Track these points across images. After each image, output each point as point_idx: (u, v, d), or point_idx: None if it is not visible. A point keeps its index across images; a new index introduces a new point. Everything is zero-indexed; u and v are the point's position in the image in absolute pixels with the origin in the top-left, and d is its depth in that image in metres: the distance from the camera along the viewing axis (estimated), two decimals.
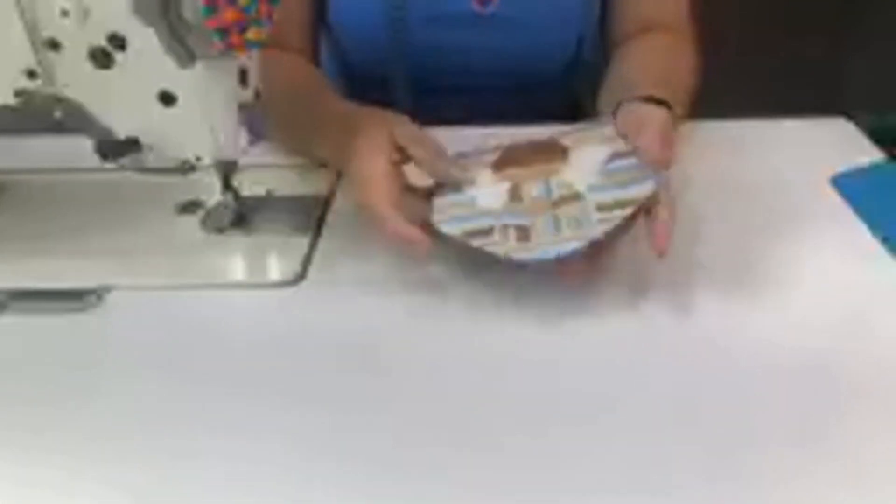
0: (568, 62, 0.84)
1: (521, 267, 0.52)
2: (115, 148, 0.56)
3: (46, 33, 0.52)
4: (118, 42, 0.52)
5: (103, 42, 0.52)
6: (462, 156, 0.59)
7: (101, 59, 0.52)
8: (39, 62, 0.53)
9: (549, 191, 0.55)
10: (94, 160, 0.57)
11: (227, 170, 0.61)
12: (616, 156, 0.56)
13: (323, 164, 0.70)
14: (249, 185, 0.65)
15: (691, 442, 0.44)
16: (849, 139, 0.75)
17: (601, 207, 0.52)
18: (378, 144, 0.55)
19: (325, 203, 0.67)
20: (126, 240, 0.63)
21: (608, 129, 0.59)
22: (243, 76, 0.56)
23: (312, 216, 0.65)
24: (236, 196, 0.63)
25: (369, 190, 0.54)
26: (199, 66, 0.52)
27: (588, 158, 0.56)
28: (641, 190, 0.52)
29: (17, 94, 0.55)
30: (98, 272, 0.59)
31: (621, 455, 0.43)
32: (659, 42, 0.76)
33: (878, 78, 1.64)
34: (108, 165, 0.57)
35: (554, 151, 0.58)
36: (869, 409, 0.46)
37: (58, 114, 0.55)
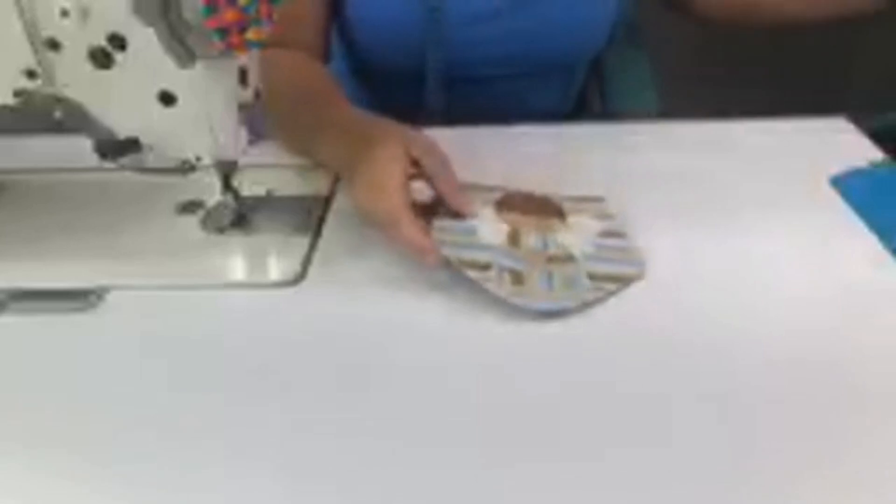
0: (606, 40, 0.84)
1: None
2: (115, 148, 0.56)
3: (46, 33, 0.52)
4: (118, 42, 0.52)
5: (103, 42, 0.52)
6: (467, 189, 0.61)
7: (101, 59, 0.52)
8: (39, 62, 0.53)
9: (545, 245, 0.58)
10: (94, 160, 0.57)
11: (227, 170, 0.61)
12: (608, 233, 0.60)
13: (320, 166, 0.70)
14: (249, 185, 0.65)
15: (690, 442, 0.44)
16: (849, 139, 0.75)
17: (592, 276, 0.56)
18: (396, 154, 0.56)
19: (325, 203, 0.67)
20: (126, 240, 0.63)
21: (604, 206, 0.63)
22: (243, 76, 0.56)
23: (312, 216, 0.65)
24: (236, 196, 0.63)
25: (385, 195, 0.54)
26: (199, 66, 0.52)
27: (583, 228, 0.61)
28: (629, 270, 0.57)
29: (17, 94, 0.55)
30: (98, 272, 0.59)
31: (622, 455, 0.43)
32: None
33: (879, 78, 1.64)
34: (108, 165, 0.57)
35: (552, 210, 0.62)
36: (869, 409, 0.46)
37: (58, 114, 0.55)
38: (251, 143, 0.59)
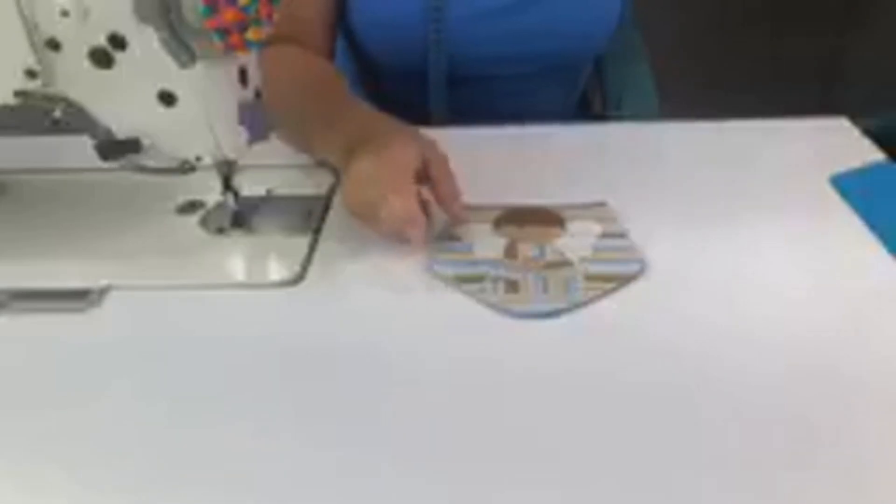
0: (609, 39, 0.84)
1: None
2: (115, 148, 0.56)
3: (46, 33, 0.52)
4: (118, 42, 0.52)
5: (103, 42, 0.52)
6: (465, 210, 0.62)
7: (101, 59, 0.52)
8: (39, 62, 0.53)
9: (542, 253, 0.59)
10: (94, 160, 0.57)
11: (227, 170, 0.61)
12: (607, 235, 0.61)
13: (321, 163, 0.70)
14: (249, 185, 0.65)
15: (689, 441, 0.44)
16: (849, 139, 0.75)
17: (589, 278, 0.56)
18: (414, 144, 0.57)
19: (325, 203, 0.67)
20: (126, 240, 0.63)
21: (605, 210, 0.64)
22: (243, 76, 0.56)
23: (312, 216, 0.65)
24: (236, 196, 0.63)
25: (395, 164, 0.55)
26: (199, 66, 0.52)
27: (584, 231, 0.61)
28: (627, 269, 0.57)
29: (17, 94, 0.55)
30: (98, 272, 0.59)
31: (622, 457, 0.43)
32: None
33: (880, 78, 1.64)
34: (108, 165, 0.57)
35: (552, 219, 0.63)
36: (869, 409, 0.46)
37: (58, 114, 0.55)
38: (251, 143, 0.59)
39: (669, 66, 1.01)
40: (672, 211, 0.64)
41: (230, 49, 0.51)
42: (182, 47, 0.50)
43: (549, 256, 0.58)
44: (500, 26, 0.79)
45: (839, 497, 0.41)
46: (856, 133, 0.75)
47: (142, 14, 0.49)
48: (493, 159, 0.71)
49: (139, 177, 0.58)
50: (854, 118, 0.77)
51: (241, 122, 0.57)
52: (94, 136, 0.56)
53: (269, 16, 0.52)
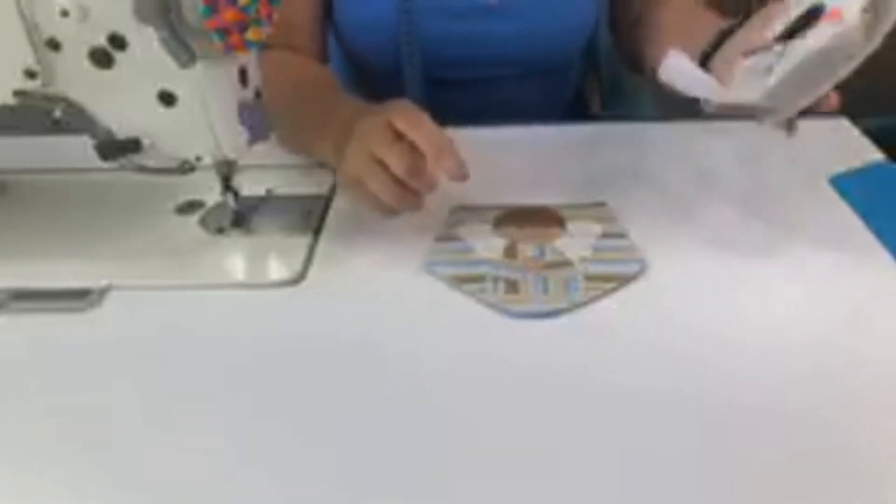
0: (582, 47, 0.84)
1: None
2: (115, 148, 0.56)
3: (46, 33, 0.52)
4: (118, 42, 0.52)
5: (103, 42, 0.52)
6: (465, 210, 0.62)
7: (101, 59, 0.52)
8: (39, 62, 0.53)
9: (542, 253, 0.59)
10: (94, 160, 0.57)
11: (227, 170, 0.61)
12: (607, 235, 0.60)
13: (321, 163, 0.70)
14: (249, 185, 0.65)
15: (688, 441, 0.44)
16: (849, 139, 0.75)
17: (589, 278, 0.56)
18: (376, 123, 0.57)
19: (325, 203, 0.67)
20: (126, 240, 0.63)
21: (605, 210, 0.64)
22: (243, 76, 0.56)
23: (312, 216, 0.65)
24: (236, 196, 0.63)
25: (368, 138, 0.56)
26: (199, 66, 0.52)
27: (583, 231, 0.61)
28: (627, 269, 0.57)
29: (17, 94, 0.55)
30: (98, 272, 0.59)
31: (622, 456, 0.43)
32: (688, 9, 0.76)
33: (879, 78, 1.64)
34: (108, 165, 0.57)
35: (552, 219, 0.63)
36: (869, 409, 0.46)
37: (58, 114, 0.55)
38: (251, 143, 0.59)
39: None
40: (672, 211, 0.64)
41: (230, 49, 0.51)
42: (182, 47, 0.50)
43: (549, 256, 0.58)
44: (471, 30, 0.79)
45: (839, 497, 0.41)
46: (856, 133, 0.75)
47: (142, 14, 0.49)
48: (492, 159, 0.71)
49: (139, 177, 0.58)
50: (854, 118, 0.77)
51: (241, 122, 0.57)
52: (94, 136, 0.56)
53: (269, 16, 0.52)
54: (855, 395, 0.47)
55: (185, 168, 0.58)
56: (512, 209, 0.64)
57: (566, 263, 0.58)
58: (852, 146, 0.73)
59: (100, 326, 0.54)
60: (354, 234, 0.63)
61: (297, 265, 0.59)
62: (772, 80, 0.52)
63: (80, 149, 0.58)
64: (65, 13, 0.50)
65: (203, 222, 0.64)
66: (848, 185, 0.66)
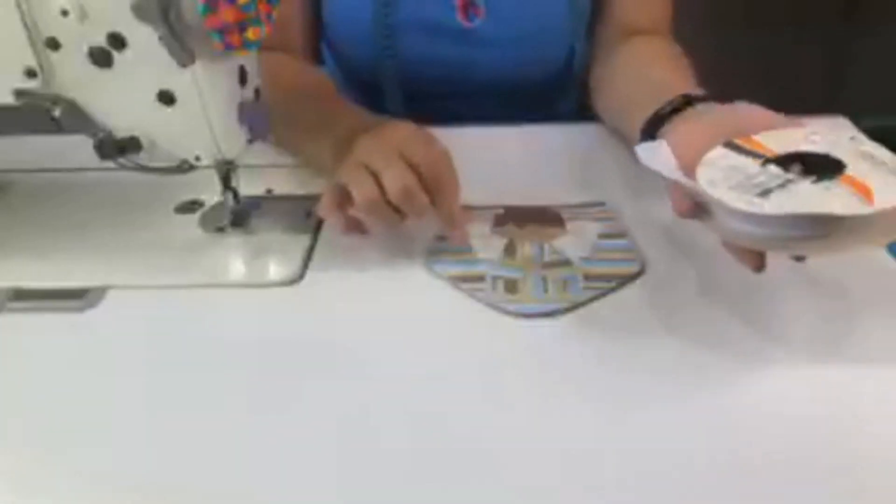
0: (557, 76, 0.84)
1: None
2: (115, 148, 0.56)
3: (46, 33, 0.52)
4: (118, 42, 0.52)
5: (103, 42, 0.52)
6: (465, 209, 0.61)
7: (101, 58, 0.52)
8: (39, 62, 0.53)
9: (541, 252, 0.59)
10: (94, 160, 0.57)
11: (227, 169, 0.61)
12: (607, 235, 0.61)
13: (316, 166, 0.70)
14: (249, 185, 0.65)
15: (688, 441, 0.44)
16: None
17: (588, 277, 0.56)
18: (403, 127, 0.58)
19: None
20: (126, 239, 0.63)
21: (604, 210, 0.64)
22: (243, 76, 0.56)
23: (312, 216, 0.65)
24: (236, 196, 0.63)
25: (370, 155, 0.55)
26: (199, 65, 0.52)
27: (583, 231, 0.61)
28: (627, 269, 0.57)
29: (17, 94, 0.55)
30: (98, 271, 0.59)
31: (621, 456, 0.43)
32: (654, 45, 0.76)
33: (880, 78, 1.64)
34: (108, 165, 0.57)
35: (551, 219, 0.63)
36: (869, 409, 0.46)
37: (57, 113, 0.55)
38: (251, 142, 0.59)
39: None
40: (671, 211, 0.64)
41: (229, 48, 0.51)
42: (181, 47, 0.50)
43: (549, 256, 0.58)
44: (448, 49, 0.79)
45: (839, 498, 0.41)
46: (856, 133, 0.75)
47: (141, 13, 0.49)
48: (493, 159, 0.71)
49: (138, 176, 0.58)
50: (854, 118, 0.77)
51: (241, 121, 0.57)
52: (93, 135, 0.56)
53: (269, 15, 0.52)
54: (855, 394, 0.47)
55: (185, 167, 0.58)
56: (512, 209, 0.64)
57: (566, 263, 0.58)
58: None
59: (99, 326, 0.54)
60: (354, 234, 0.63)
61: (296, 265, 0.59)
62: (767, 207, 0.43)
63: (79, 148, 0.58)
64: (64, 13, 0.51)
65: (202, 222, 0.65)
66: None
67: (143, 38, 0.51)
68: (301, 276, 0.58)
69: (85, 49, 0.52)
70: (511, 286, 0.55)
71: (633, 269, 0.57)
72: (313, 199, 0.67)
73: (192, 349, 0.52)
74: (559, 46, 0.81)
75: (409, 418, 0.46)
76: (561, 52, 0.81)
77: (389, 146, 0.56)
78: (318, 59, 0.85)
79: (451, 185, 0.57)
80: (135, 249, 0.61)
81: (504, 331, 0.52)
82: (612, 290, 0.55)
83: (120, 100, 0.55)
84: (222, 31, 0.49)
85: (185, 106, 0.54)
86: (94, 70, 0.53)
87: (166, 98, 0.54)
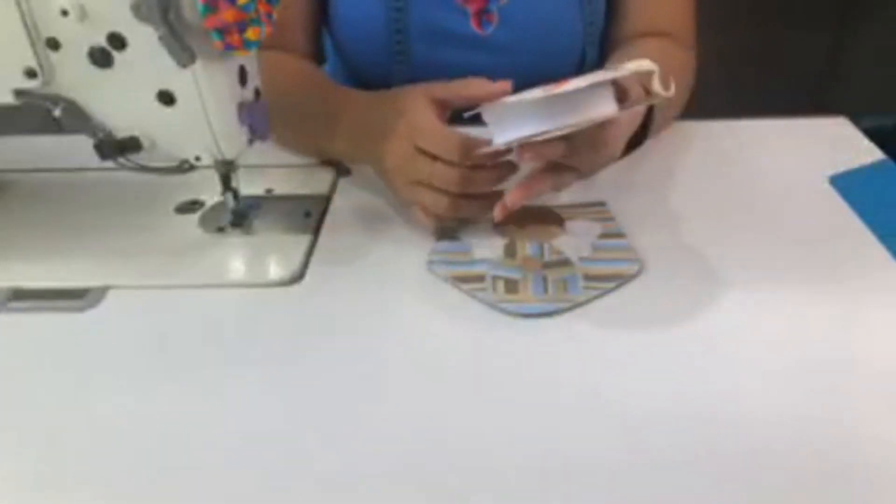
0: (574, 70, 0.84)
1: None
2: (115, 148, 0.56)
3: (46, 33, 0.52)
4: (118, 42, 0.52)
5: (103, 42, 0.52)
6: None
7: (101, 58, 0.52)
8: (39, 62, 0.53)
9: (541, 252, 0.59)
10: (94, 160, 0.57)
11: (227, 169, 0.61)
12: (607, 235, 0.61)
13: (327, 162, 0.70)
14: (249, 185, 0.65)
15: (688, 441, 0.44)
16: (849, 139, 0.75)
17: (588, 277, 0.56)
18: (423, 101, 0.58)
19: (324, 203, 0.67)
20: (125, 239, 0.63)
21: (604, 210, 0.64)
22: (243, 76, 0.56)
23: (312, 216, 0.65)
24: (236, 196, 0.63)
25: (406, 167, 0.57)
26: (199, 65, 0.52)
27: (583, 230, 0.61)
28: (627, 269, 0.57)
29: (17, 93, 0.55)
30: (98, 272, 0.59)
31: (621, 456, 0.43)
32: (652, 44, 0.76)
33: (879, 78, 1.64)
34: (108, 165, 0.57)
35: (551, 219, 0.63)
36: (869, 408, 0.46)
37: (57, 113, 0.55)
38: (251, 142, 0.59)
39: None
40: (671, 210, 0.64)
41: (229, 48, 0.51)
42: (181, 46, 0.50)
43: (549, 256, 0.58)
44: (461, 57, 0.78)
45: (839, 498, 0.41)
46: (856, 133, 0.75)
47: (141, 13, 0.49)
48: None
49: (138, 176, 0.58)
50: (854, 118, 0.77)
51: (241, 121, 0.57)
52: (93, 135, 0.56)
53: (269, 15, 0.52)
54: (855, 394, 0.47)
55: (185, 167, 0.58)
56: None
57: (565, 263, 0.58)
58: (852, 146, 0.73)
59: (99, 326, 0.54)
60: (353, 233, 0.63)
61: (296, 265, 0.59)
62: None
63: (79, 148, 0.58)
64: (64, 13, 0.50)
65: (202, 222, 0.65)
66: (848, 185, 0.66)
67: (143, 38, 0.51)
68: (301, 276, 0.58)
69: (85, 49, 0.52)
70: (511, 286, 0.55)
71: (633, 269, 0.57)
72: (313, 199, 0.67)
73: (191, 349, 0.52)
74: (571, 53, 0.81)
75: (409, 418, 0.46)
76: (573, 59, 0.81)
77: (409, 147, 0.57)
78: (318, 59, 0.85)
79: (464, 141, 0.57)
80: (135, 249, 0.61)
81: (504, 331, 0.53)
82: (612, 290, 0.55)
83: (120, 100, 0.55)
84: (222, 31, 0.49)
85: (185, 106, 0.54)
86: (94, 70, 0.53)
87: (166, 98, 0.54)
